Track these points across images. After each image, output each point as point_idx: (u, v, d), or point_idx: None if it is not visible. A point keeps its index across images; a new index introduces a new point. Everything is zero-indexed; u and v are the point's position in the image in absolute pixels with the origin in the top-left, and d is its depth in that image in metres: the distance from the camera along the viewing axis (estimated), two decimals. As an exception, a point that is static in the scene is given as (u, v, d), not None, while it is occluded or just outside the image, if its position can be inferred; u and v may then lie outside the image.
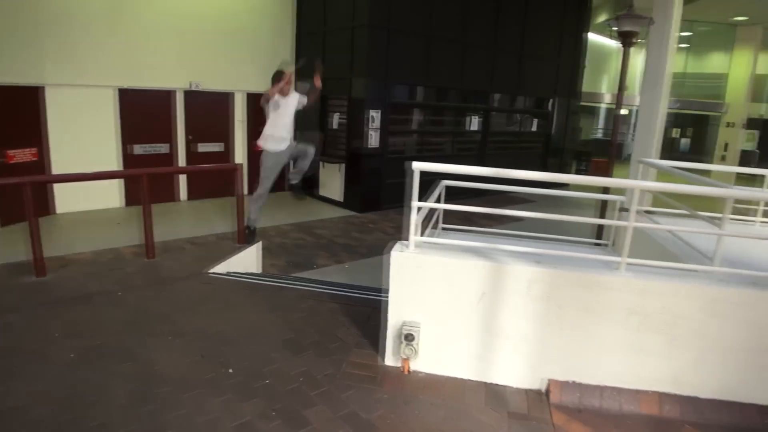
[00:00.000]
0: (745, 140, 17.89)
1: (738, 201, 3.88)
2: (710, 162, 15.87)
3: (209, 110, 9.84)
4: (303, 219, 8.75)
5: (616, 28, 6.72)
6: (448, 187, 4.12)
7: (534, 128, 12.69)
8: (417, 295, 3.09)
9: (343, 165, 9.68)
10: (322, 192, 10.34)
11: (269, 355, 3.32)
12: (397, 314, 3.13)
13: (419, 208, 3.14)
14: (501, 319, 3.01)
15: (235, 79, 9.94)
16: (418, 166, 2.99)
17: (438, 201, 3.79)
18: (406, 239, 3.11)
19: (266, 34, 10.20)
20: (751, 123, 17.35)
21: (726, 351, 2.90)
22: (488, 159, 11.20)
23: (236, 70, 9.88)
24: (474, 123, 11.14)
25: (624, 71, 7.20)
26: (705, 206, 3.83)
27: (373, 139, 9.35)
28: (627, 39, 6.76)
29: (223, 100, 10.01)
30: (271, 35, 10.26)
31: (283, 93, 5.81)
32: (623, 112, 20.31)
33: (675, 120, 18.61)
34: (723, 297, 2.82)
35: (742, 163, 15.92)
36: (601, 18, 15.62)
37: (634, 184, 3.01)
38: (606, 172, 7.78)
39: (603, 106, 18.65)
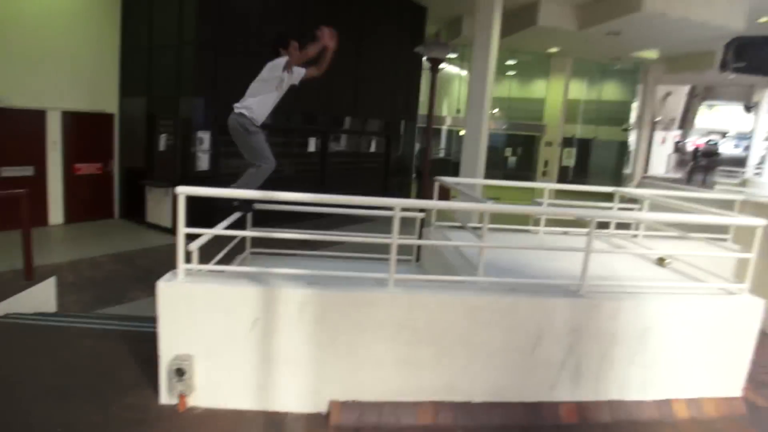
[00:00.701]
0: (566, 157, 20.06)
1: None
2: (534, 177, 17.54)
3: (16, 130, 8.78)
4: (124, 248, 8.10)
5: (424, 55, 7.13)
6: (282, 212, 4.03)
7: (373, 149, 13.02)
8: (189, 327, 2.93)
9: (171, 189, 9.15)
10: (150, 218, 9.66)
11: (25, 406, 2.94)
12: (168, 348, 2.93)
13: (195, 235, 3.01)
14: (277, 344, 2.95)
15: (50, 96, 8.96)
16: (183, 190, 2.87)
17: (240, 227, 3.68)
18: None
19: (88, 46, 9.34)
20: (567, 142, 19.55)
21: (492, 355, 3.09)
22: (328, 181, 11.27)
23: (51, 85, 8.92)
24: (313, 145, 11.17)
25: (433, 94, 7.55)
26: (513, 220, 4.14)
27: (203, 162, 8.98)
28: (435, 65, 7.20)
29: (35, 118, 8.98)
30: (93, 48, 9.42)
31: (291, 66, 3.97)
32: (462, 132, 21.86)
33: (507, 140, 20.35)
34: (483, 305, 3.02)
35: (561, 178, 17.80)
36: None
37: (397, 202, 3.10)
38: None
39: (444, 128, 19.81)
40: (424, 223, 4.87)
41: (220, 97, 9.07)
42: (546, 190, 5.05)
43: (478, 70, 10.46)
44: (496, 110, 21.04)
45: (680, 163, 29.92)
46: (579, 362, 3.14)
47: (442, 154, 20.28)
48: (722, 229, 5.40)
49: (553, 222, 5.00)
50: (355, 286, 3.02)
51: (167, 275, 2.98)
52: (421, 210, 4.84)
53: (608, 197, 5.16)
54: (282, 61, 3.88)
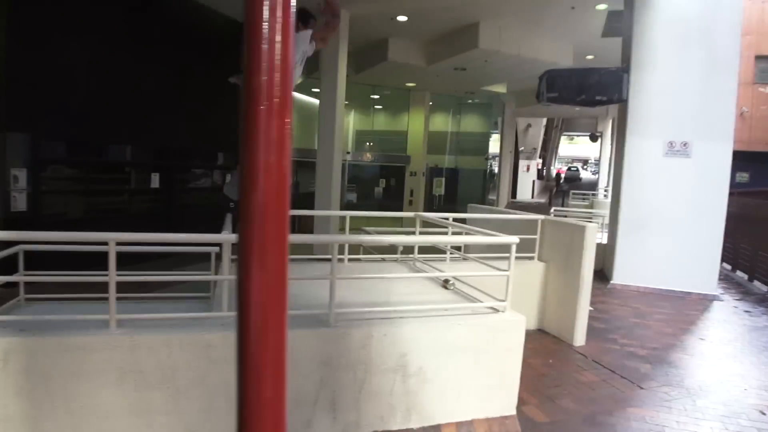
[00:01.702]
0: (436, 186, 20.82)
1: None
2: (401, 206, 17.97)
3: None
4: None
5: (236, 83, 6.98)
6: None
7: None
8: None
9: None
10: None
11: None
12: None
13: None
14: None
15: None
16: None
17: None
18: None
19: None
20: (436, 171, 20.33)
21: (234, 396, 2.87)
22: (176, 217, 10.69)
23: None
24: (157, 180, 10.59)
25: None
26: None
27: (19, 202, 8.13)
28: None
29: None
30: None
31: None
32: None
33: (380, 171, 20.76)
34: (217, 342, 2.82)
35: (429, 206, 18.37)
36: (299, 80, 16.68)
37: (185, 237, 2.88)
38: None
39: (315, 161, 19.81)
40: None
41: (40, 131, 8.36)
42: (347, 218, 5.02)
43: (326, 104, 10.55)
44: (370, 143, 21.51)
45: (545, 189, 32.30)
46: (334, 395, 3.03)
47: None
48: (531, 248, 5.71)
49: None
50: (72, 329, 2.70)
51: None
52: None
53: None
54: (308, 34, 3.90)
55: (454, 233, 4.68)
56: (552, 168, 37.06)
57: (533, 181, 30.18)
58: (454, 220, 6.57)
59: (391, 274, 3.88)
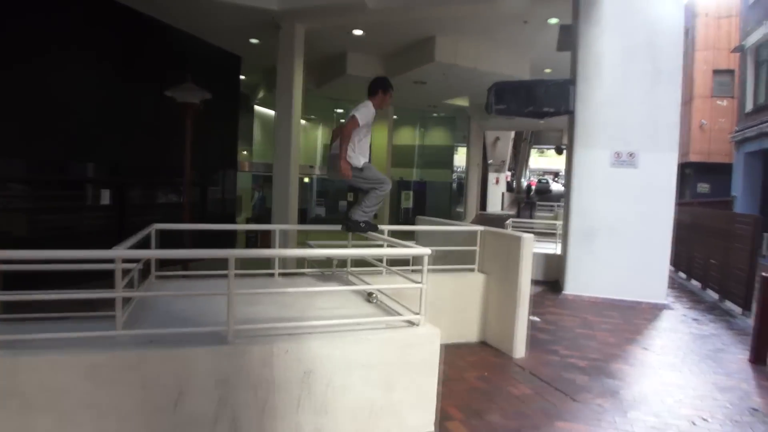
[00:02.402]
0: (404, 199, 20.83)
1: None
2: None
3: None
4: None
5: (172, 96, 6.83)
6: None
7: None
8: None
9: None
10: None
11: None
12: None
13: None
14: None
15: None
16: None
17: None
18: None
19: None
20: (404, 185, 20.37)
21: (125, 418, 2.72)
22: (128, 234, 10.38)
23: None
24: (108, 197, 10.32)
25: (187, 140, 7.22)
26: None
27: None
28: (187, 110, 6.92)
29: None
30: None
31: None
32: (305, 180, 21.95)
33: (347, 186, 20.71)
34: (104, 362, 2.67)
35: (396, 219, 18.34)
36: (261, 94, 16.59)
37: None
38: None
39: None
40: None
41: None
42: (277, 232, 4.89)
43: (282, 117, 10.43)
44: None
45: (515, 201, 32.58)
46: (235, 416, 2.88)
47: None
48: (471, 260, 5.65)
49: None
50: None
51: None
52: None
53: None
54: (371, 107, 4.70)
55: (376, 246, 4.58)
56: (522, 180, 37.39)
57: (503, 194, 30.40)
58: (402, 232, 6.52)
59: (296, 289, 3.75)
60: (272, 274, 4.70)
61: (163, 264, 4.65)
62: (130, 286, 3.72)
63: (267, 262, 5.03)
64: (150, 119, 10.65)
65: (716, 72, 23.41)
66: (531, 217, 20.61)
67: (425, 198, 21.25)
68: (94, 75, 9.56)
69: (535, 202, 25.08)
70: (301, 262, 6.46)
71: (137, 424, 2.74)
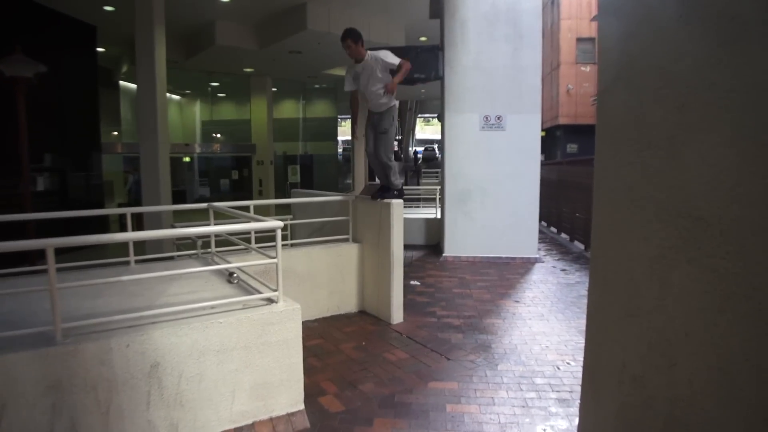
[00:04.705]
0: (291, 174, 20.39)
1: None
2: (251, 197, 17.32)
3: None
4: None
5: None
6: None
7: (42, 188, 11.16)
8: None
9: None
10: None
11: None
12: None
13: None
14: None
15: None
16: None
17: None
18: None
19: None
20: (290, 159, 19.92)
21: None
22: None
23: None
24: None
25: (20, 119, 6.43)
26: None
27: None
28: (19, 84, 6.13)
29: None
30: None
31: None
32: (186, 159, 20.76)
33: (230, 163, 19.92)
34: None
35: (283, 194, 17.91)
36: (125, 68, 15.30)
37: None
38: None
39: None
40: None
41: None
42: (128, 215, 4.46)
43: (144, 92, 9.62)
44: (216, 134, 20.44)
45: (404, 170, 33.16)
46: (73, 423, 2.58)
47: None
48: (346, 230, 5.56)
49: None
50: None
51: None
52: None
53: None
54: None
55: (236, 222, 4.34)
56: (410, 149, 38.06)
57: (390, 163, 30.72)
58: (277, 206, 6.28)
59: (133, 276, 3.43)
60: (128, 263, 4.30)
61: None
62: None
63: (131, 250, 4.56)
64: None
65: (579, 40, 25.04)
66: (418, 184, 21.07)
67: (312, 172, 20.94)
68: None
69: (421, 169, 25.63)
70: (170, 248, 6.04)
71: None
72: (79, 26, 11.76)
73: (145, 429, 2.78)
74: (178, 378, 2.82)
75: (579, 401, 1.67)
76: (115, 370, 2.64)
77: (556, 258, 8.72)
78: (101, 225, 11.93)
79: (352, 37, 4.97)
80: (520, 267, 7.85)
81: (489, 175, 8.10)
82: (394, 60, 5.00)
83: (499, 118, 8.06)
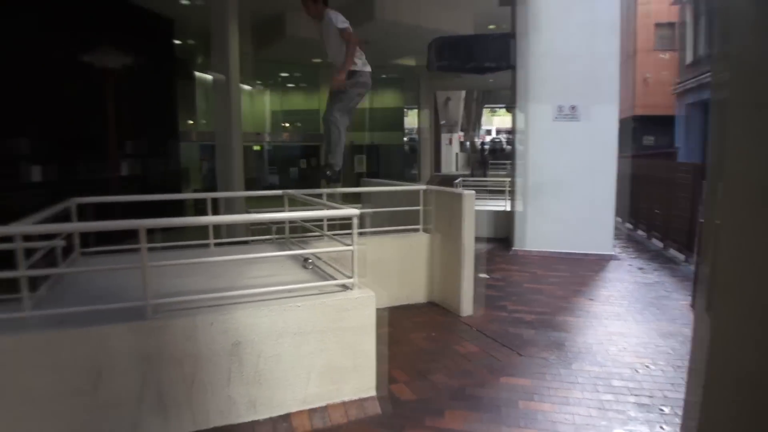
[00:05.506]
0: (358, 164, 20.60)
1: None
2: (318, 186, 17.55)
3: None
4: None
5: None
6: None
7: (125, 173, 11.77)
8: None
9: None
10: None
11: None
12: None
13: None
14: None
15: None
16: None
17: None
18: None
19: None
20: (356, 149, 20.10)
21: (38, 404, 2.52)
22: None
23: None
24: (39, 174, 9.65)
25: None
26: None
27: None
28: (106, 76, 6.41)
29: None
30: None
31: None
32: (256, 147, 21.37)
33: (302, 152, 20.41)
34: (12, 347, 2.47)
35: (351, 184, 18.09)
36: (200, 60, 15.86)
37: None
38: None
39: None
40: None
41: None
42: (209, 200, 4.61)
43: (221, 83, 9.93)
44: (287, 124, 20.90)
45: (471, 160, 32.72)
46: (161, 393, 2.71)
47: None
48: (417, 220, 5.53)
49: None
50: None
51: None
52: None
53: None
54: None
55: (311, 209, 4.39)
56: (476, 140, 37.54)
57: (456, 154, 30.46)
58: (350, 194, 6.38)
59: (218, 258, 3.55)
60: (207, 245, 4.46)
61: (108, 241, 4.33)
62: (52, 265, 3.45)
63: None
64: (69, 88, 9.93)
65: (658, 25, 23.75)
66: (484, 175, 20.73)
67: (378, 162, 21.05)
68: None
69: (488, 161, 25.21)
70: (243, 232, 6.23)
71: (54, 408, 2.55)
72: (158, 20, 12.28)
73: (226, 403, 2.88)
74: (257, 357, 2.89)
75: (662, 406, 1.57)
76: (200, 346, 2.75)
77: (633, 256, 8.34)
78: (177, 209, 12.48)
79: None
80: (594, 264, 7.55)
81: (563, 168, 7.83)
82: (341, 24, 4.58)
83: (573, 108, 7.76)
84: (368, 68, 4.79)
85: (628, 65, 24.68)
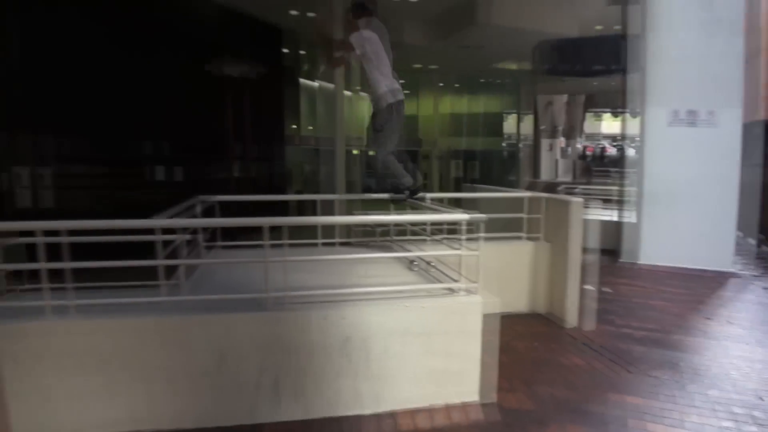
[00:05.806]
0: (454, 169, 20.59)
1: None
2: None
3: None
4: None
5: None
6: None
7: (239, 175, 12.55)
8: None
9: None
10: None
11: None
12: None
13: None
14: None
15: None
16: None
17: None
18: None
19: None
20: (454, 154, 20.06)
21: (173, 379, 2.81)
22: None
23: None
24: (162, 173, 10.53)
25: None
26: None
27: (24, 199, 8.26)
28: (225, 84, 6.83)
29: None
30: None
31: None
32: (355, 152, 21.93)
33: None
34: (150, 327, 2.79)
35: (447, 189, 18.09)
36: (305, 67, 16.53)
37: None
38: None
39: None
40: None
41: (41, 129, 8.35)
42: (319, 202, 4.83)
43: (326, 91, 10.35)
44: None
45: (571, 168, 31.51)
46: (276, 380, 2.91)
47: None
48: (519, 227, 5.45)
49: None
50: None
51: None
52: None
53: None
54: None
55: (419, 213, 4.47)
56: (578, 146, 36.06)
57: (556, 160, 29.39)
58: (451, 200, 6.40)
59: (338, 256, 3.73)
60: (315, 244, 4.67)
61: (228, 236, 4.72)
62: (181, 256, 3.78)
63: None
64: (192, 96, 10.73)
65: (789, 21, 21.58)
66: (588, 183, 19.89)
67: (476, 167, 20.86)
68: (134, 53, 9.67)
69: (592, 168, 24.15)
70: (345, 233, 6.42)
71: (185, 385, 2.82)
72: (267, 29, 12.98)
73: (334, 395, 3.02)
74: (366, 354, 3.01)
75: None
76: (313, 338, 2.91)
77: (756, 274, 7.66)
78: (281, 209, 13.10)
79: (353, 10, 4.62)
80: (711, 281, 7.02)
81: (679, 176, 7.35)
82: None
83: (692, 113, 7.27)
84: (401, 96, 5.00)
85: (754, 65, 22.63)
